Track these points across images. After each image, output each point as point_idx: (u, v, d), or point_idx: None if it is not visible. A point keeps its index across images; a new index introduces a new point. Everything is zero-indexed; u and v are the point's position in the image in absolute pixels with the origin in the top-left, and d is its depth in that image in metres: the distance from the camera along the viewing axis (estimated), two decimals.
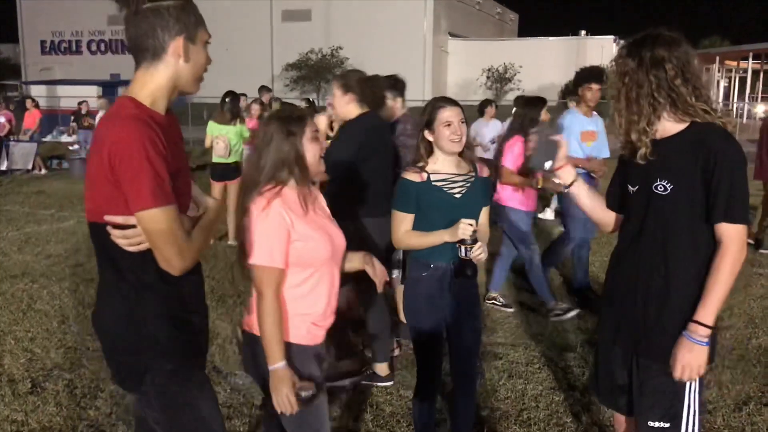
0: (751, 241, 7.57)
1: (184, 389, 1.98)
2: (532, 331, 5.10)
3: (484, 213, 3.03)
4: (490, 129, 9.80)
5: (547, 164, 2.48)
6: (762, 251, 7.62)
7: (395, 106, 4.98)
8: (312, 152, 2.34)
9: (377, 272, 2.55)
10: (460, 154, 2.96)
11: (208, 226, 2.00)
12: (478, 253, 2.74)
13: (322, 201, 2.52)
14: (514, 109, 8.99)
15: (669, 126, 2.20)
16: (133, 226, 1.81)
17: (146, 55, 1.85)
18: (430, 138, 2.92)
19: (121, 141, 1.74)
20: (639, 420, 2.34)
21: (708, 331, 2.14)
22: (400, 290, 4.47)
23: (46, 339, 4.85)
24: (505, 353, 4.64)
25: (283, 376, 2.23)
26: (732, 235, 2.11)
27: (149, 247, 1.83)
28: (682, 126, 2.19)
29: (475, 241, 2.72)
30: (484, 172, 3.04)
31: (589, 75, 5.49)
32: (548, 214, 9.61)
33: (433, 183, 2.90)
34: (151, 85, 1.86)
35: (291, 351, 2.30)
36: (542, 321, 5.30)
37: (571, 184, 2.52)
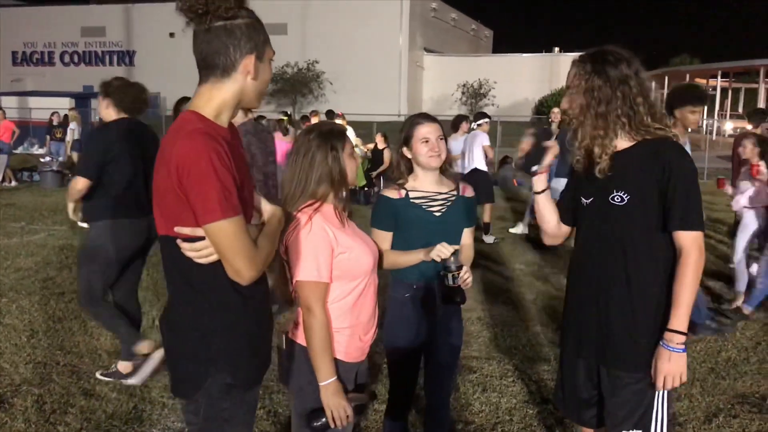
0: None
1: (233, 407, 2.00)
2: (506, 345, 5.13)
3: (468, 234, 2.97)
4: (459, 144, 9.80)
5: (534, 168, 2.58)
6: (731, 266, 7.75)
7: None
8: (351, 168, 2.35)
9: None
10: (443, 172, 2.93)
11: (272, 233, 2.00)
12: (466, 278, 2.67)
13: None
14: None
15: (621, 141, 2.28)
16: (202, 238, 1.83)
17: (215, 72, 1.87)
18: (408, 155, 2.89)
19: (188, 155, 1.75)
20: (611, 430, 2.37)
21: (683, 338, 2.20)
22: None
23: (14, 354, 4.76)
24: (479, 366, 4.66)
25: (338, 389, 2.24)
26: (690, 242, 2.19)
27: (218, 258, 1.84)
28: (632, 142, 2.27)
29: (460, 266, 2.65)
30: (468, 191, 3.00)
31: (692, 97, 4.61)
32: (519, 229, 9.63)
33: (411, 200, 2.86)
34: (217, 100, 1.88)
35: (336, 367, 2.28)
36: (516, 334, 5.33)
37: (541, 192, 2.58)
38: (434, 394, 3.08)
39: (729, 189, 6.26)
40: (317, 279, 2.23)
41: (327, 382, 2.23)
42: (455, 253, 2.65)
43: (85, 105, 26.15)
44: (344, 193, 2.38)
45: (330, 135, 2.32)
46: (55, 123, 16.12)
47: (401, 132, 2.94)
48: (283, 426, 3.75)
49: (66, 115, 16.76)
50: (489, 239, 9.10)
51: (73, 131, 15.85)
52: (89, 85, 47.98)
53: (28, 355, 4.75)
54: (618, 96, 2.22)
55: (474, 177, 8.53)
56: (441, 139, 2.88)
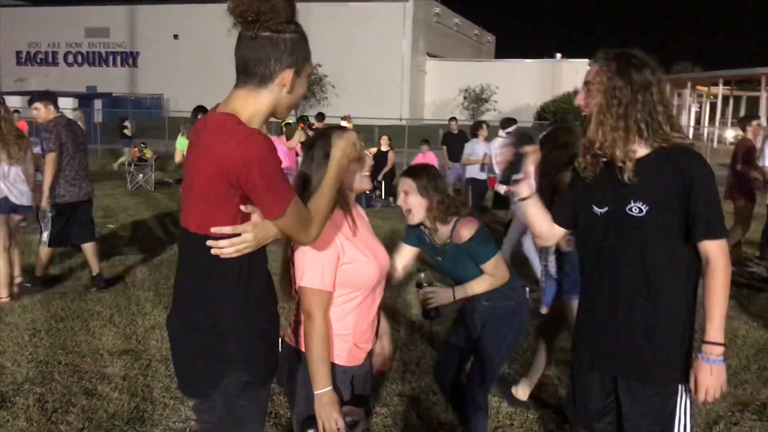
0: None
1: (249, 404, 2.03)
2: None
3: (485, 268, 3.05)
4: (481, 148, 10.35)
5: (515, 177, 2.44)
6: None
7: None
8: (353, 172, 2.30)
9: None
10: (442, 222, 3.03)
11: (325, 192, 2.07)
12: (426, 296, 3.06)
13: (364, 217, 2.49)
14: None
15: (638, 148, 2.20)
16: (239, 235, 1.89)
17: (253, 80, 1.90)
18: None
19: (247, 162, 1.80)
20: None
21: (722, 349, 2.16)
22: None
23: (16, 353, 4.77)
24: None
25: (332, 400, 2.19)
26: (717, 251, 2.14)
27: (251, 251, 1.92)
28: (648, 149, 2.20)
29: (426, 284, 3.09)
30: (460, 235, 3.01)
31: None
32: None
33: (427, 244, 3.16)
34: (252, 107, 1.92)
35: (332, 372, 2.24)
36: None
37: (527, 198, 2.46)
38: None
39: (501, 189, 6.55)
40: (320, 287, 2.20)
41: (321, 391, 2.18)
42: (424, 271, 3.02)
43: (88, 105, 26.20)
44: (351, 199, 2.35)
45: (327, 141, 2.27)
46: None
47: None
48: (284, 428, 3.76)
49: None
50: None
51: None
52: (93, 86, 48.17)
53: (30, 354, 4.76)
54: (638, 100, 2.15)
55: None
56: (407, 193, 3.02)
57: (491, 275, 3.05)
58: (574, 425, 2.66)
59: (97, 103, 29.11)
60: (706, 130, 30.94)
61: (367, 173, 2.36)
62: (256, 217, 1.91)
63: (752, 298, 6.70)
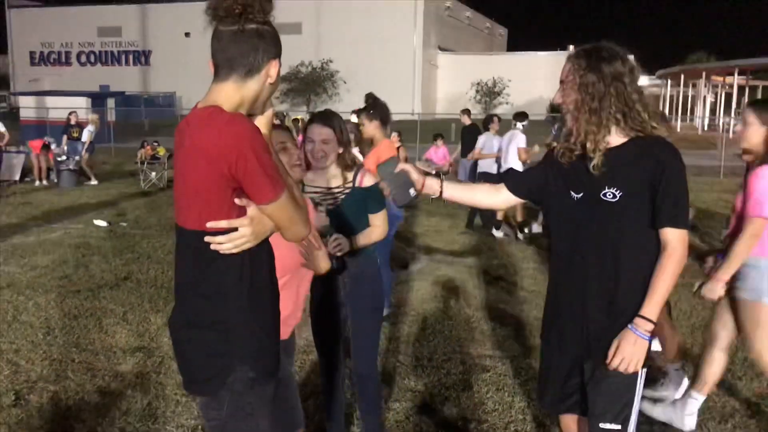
0: None
1: (256, 400, 2.04)
2: (520, 344, 5.11)
3: (374, 218, 3.22)
4: (493, 141, 10.24)
5: (412, 192, 2.51)
6: None
7: None
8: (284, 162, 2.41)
9: None
10: (345, 167, 3.16)
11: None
12: (334, 245, 2.98)
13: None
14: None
15: (614, 138, 2.30)
16: (236, 229, 1.90)
17: (240, 71, 1.92)
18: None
19: (235, 144, 1.81)
20: (591, 422, 2.40)
21: (651, 326, 2.27)
22: None
23: (31, 351, 4.81)
24: (493, 366, 4.65)
25: None
26: (677, 239, 2.24)
27: (250, 247, 1.93)
28: (625, 138, 2.29)
29: (330, 235, 3.02)
30: (365, 181, 3.18)
31: None
32: (535, 228, 9.64)
33: (307, 194, 3.11)
34: (237, 99, 1.93)
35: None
36: (530, 334, 5.31)
37: (441, 193, 2.58)
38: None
39: None
40: None
41: None
42: (330, 225, 3.05)
43: (101, 105, 26.34)
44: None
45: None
46: (72, 122, 16.25)
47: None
48: None
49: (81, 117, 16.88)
50: (498, 234, 9.47)
51: (91, 133, 15.96)
52: (105, 85, 48.48)
53: (44, 352, 4.79)
54: (612, 93, 2.24)
55: None
56: (325, 142, 3.10)
57: (380, 226, 3.23)
58: (540, 406, 2.72)
59: (110, 102, 29.19)
60: (721, 121, 30.61)
61: (297, 163, 2.59)
62: (252, 211, 1.91)
63: None
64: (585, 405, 2.45)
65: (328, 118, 3.17)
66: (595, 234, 2.32)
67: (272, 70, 1.95)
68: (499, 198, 2.66)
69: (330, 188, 3.16)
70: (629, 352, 2.25)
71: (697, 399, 3.73)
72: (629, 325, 2.27)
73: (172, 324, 2.09)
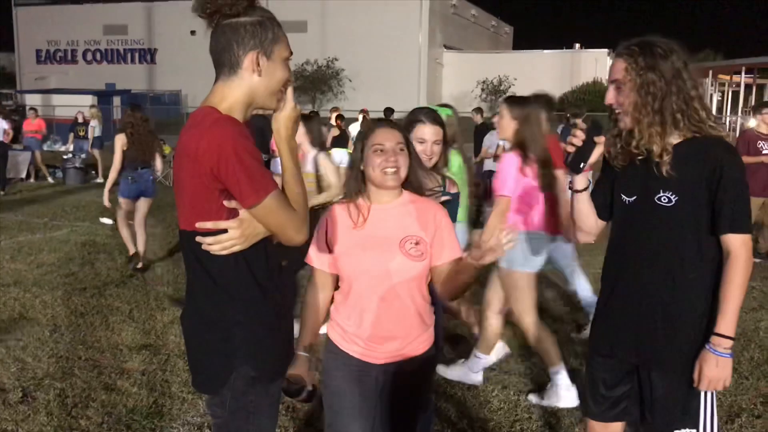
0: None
1: (258, 399, 2.04)
2: (526, 343, 5.09)
3: None
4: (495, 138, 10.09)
5: (582, 165, 2.31)
6: (755, 260, 7.65)
7: None
8: (371, 164, 2.32)
9: None
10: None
11: (293, 196, 1.97)
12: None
13: (397, 215, 2.37)
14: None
15: (672, 138, 2.17)
16: (224, 231, 1.88)
17: (224, 69, 1.92)
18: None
19: (221, 142, 1.80)
20: (662, 431, 2.32)
21: (731, 343, 2.15)
22: None
23: (37, 348, 4.82)
24: (498, 364, 4.64)
25: (298, 360, 2.31)
26: (740, 245, 2.12)
27: (240, 249, 1.90)
28: (680, 138, 2.17)
29: None
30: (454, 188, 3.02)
31: None
32: None
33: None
34: (230, 98, 1.92)
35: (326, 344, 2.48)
36: None
37: (583, 190, 2.38)
38: None
39: None
40: (308, 261, 2.47)
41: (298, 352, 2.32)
42: None
43: (107, 102, 26.39)
44: (360, 191, 2.41)
45: (359, 135, 2.46)
46: (80, 121, 16.29)
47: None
48: (301, 421, 3.76)
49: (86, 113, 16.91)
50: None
51: (94, 129, 15.99)
52: (111, 83, 48.51)
53: (50, 349, 4.81)
54: (673, 91, 2.12)
55: None
56: (437, 143, 2.98)
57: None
58: (586, 413, 2.63)
59: (116, 100, 29.25)
60: (728, 119, 30.48)
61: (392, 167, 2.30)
62: (244, 213, 1.89)
63: None
64: (636, 412, 2.38)
65: (437, 117, 3.00)
66: (648, 240, 2.22)
67: (256, 62, 1.90)
68: (599, 226, 2.43)
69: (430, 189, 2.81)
70: (714, 374, 2.14)
71: (481, 358, 4.31)
72: (707, 346, 2.15)
73: (183, 321, 2.10)
